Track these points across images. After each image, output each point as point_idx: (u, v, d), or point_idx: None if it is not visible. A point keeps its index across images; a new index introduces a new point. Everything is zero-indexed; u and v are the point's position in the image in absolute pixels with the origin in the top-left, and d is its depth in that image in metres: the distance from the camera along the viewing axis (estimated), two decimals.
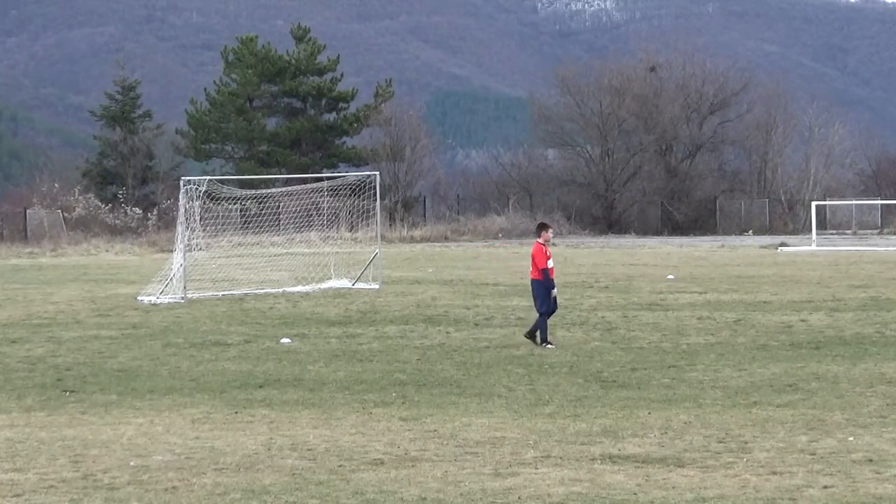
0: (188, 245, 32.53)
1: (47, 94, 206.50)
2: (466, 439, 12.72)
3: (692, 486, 10.53)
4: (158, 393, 16.27)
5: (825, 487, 10.41)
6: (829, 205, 73.96)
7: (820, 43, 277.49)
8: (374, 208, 38.29)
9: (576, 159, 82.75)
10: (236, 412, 14.68)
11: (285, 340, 21.60)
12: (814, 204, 62.20)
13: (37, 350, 20.86)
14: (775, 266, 41.21)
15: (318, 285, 33.58)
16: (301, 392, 16.17)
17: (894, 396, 15.16)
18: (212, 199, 39.68)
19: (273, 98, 79.60)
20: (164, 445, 12.61)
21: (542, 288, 20.48)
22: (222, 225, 41.78)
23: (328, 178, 48.85)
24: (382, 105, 78.72)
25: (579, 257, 49.02)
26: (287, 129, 77.40)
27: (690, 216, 78.11)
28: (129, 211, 69.68)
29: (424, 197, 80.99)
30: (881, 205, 75.39)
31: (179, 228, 32.51)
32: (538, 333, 20.48)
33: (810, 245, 56.03)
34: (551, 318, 21.10)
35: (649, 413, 14.19)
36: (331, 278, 34.70)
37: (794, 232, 72.70)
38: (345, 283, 34.13)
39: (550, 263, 20.55)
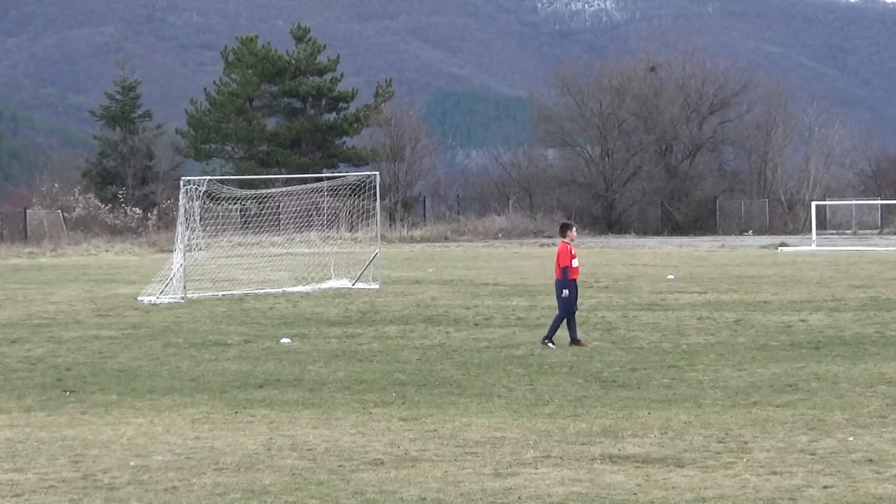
0: (188, 245, 32.53)
1: (47, 94, 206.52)
2: (466, 439, 12.72)
3: (692, 486, 10.53)
4: (158, 393, 16.27)
5: (825, 487, 10.41)
6: (829, 205, 73.95)
7: (820, 43, 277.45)
8: (374, 208, 38.30)
9: (576, 159, 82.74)
10: (236, 412, 14.68)
11: (285, 340, 21.60)
12: (814, 204, 62.20)
13: (37, 350, 20.86)
14: (775, 266, 41.21)
15: (318, 285, 33.58)
16: (301, 392, 16.17)
17: (894, 396, 15.16)
18: (212, 199, 39.68)
19: (273, 98, 79.60)
20: (164, 445, 12.61)
21: (562, 287, 20.41)
22: (222, 225, 41.78)
23: (328, 178, 48.85)
24: (382, 105, 78.72)
25: (579, 257, 48.93)
26: (287, 129, 77.40)
27: (690, 216, 78.10)
28: (129, 211, 69.68)
29: (424, 197, 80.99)
30: (881, 205, 75.39)
31: (179, 228, 32.51)
32: (550, 330, 20.39)
33: (810, 245, 56.02)
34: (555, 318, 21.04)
35: (649, 413, 14.19)
36: (331, 278, 34.70)
37: (794, 232, 72.69)
38: (345, 283, 34.13)
39: (576, 263, 20.57)
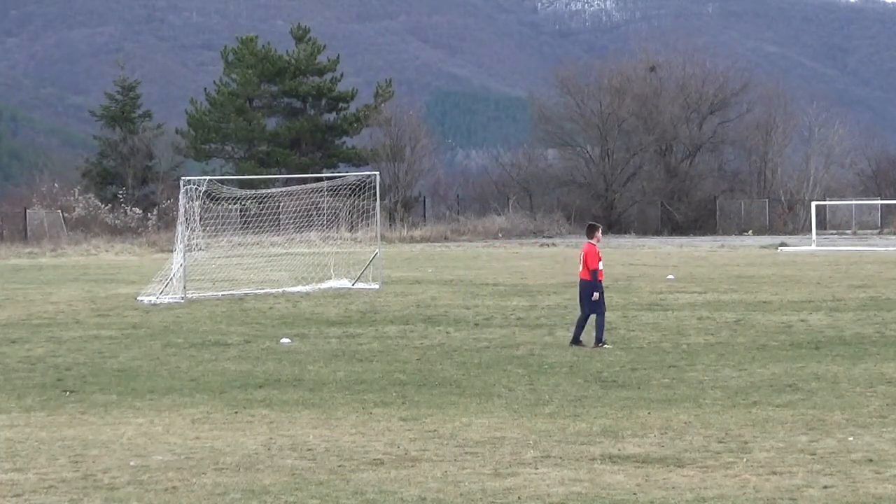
0: (188, 245, 32.53)
1: (47, 94, 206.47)
2: (466, 439, 12.72)
3: (692, 486, 10.53)
4: (158, 393, 16.27)
5: (825, 487, 10.41)
6: (829, 205, 73.95)
7: (820, 43, 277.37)
8: (374, 208, 38.30)
9: (576, 159, 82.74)
10: (236, 412, 14.68)
11: (285, 340, 21.60)
12: (814, 204, 62.21)
13: (37, 350, 20.86)
14: (775, 266, 41.21)
15: (318, 285, 33.58)
16: (301, 392, 16.17)
17: (894, 396, 15.16)
18: (212, 199, 39.67)
19: (273, 98, 79.60)
20: (164, 445, 12.61)
21: (592, 289, 20.35)
22: (222, 225, 41.77)
23: (328, 178, 48.83)
24: (382, 105, 78.71)
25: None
26: (287, 129, 77.39)
27: (690, 216, 78.09)
28: (129, 211, 69.65)
29: (424, 197, 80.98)
30: (881, 205, 75.38)
31: (179, 228, 32.51)
32: (576, 332, 20.33)
33: (810, 245, 56.03)
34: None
35: (649, 413, 14.19)
36: (331, 278, 34.70)
37: (794, 232, 72.69)
38: (345, 283, 34.13)
39: (601, 265, 20.56)
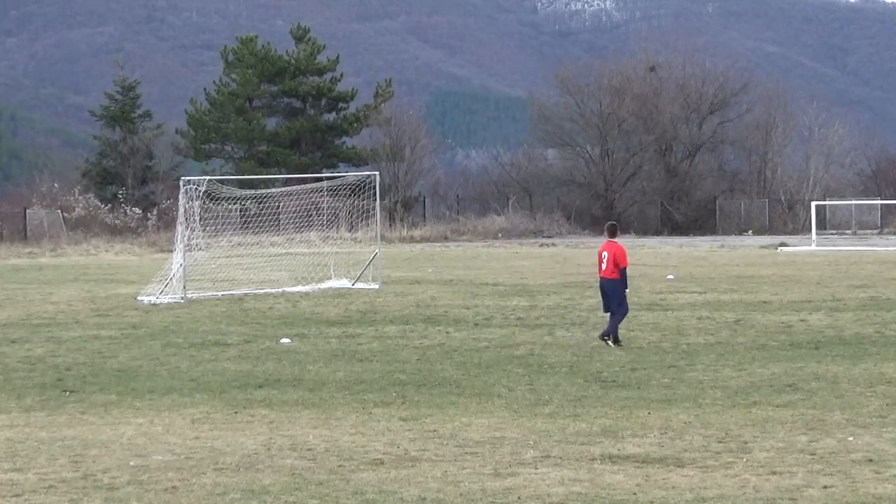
0: (188, 245, 32.53)
1: (47, 94, 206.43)
2: (466, 439, 12.72)
3: (692, 486, 10.53)
4: (158, 393, 16.27)
5: (825, 487, 10.41)
6: (829, 205, 73.93)
7: (820, 43, 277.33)
8: (373, 208, 38.29)
9: (576, 159, 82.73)
10: (236, 412, 14.68)
11: (285, 340, 21.60)
12: (813, 204, 62.19)
13: (37, 350, 20.86)
14: (775, 266, 41.21)
15: (318, 285, 33.58)
16: (301, 392, 16.17)
17: (894, 396, 15.16)
18: (211, 199, 39.65)
19: (273, 98, 79.58)
20: (164, 445, 12.61)
21: (622, 287, 20.35)
22: (222, 225, 41.76)
23: (328, 178, 48.82)
24: (382, 105, 78.69)
25: (579, 257, 49.02)
26: (287, 129, 77.39)
27: (690, 216, 78.08)
28: (128, 211, 69.64)
29: (424, 197, 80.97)
30: (881, 205, 75.37)
31: (179, 228, 32.50)
32: (612, 328, 20.32)
33: (810, 245, 56.02)
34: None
35: (649, 413, 14.19)
36: (330, 278, 34.69)
37: (794, 232, 72.68)
38: (345, 283, 34.13)
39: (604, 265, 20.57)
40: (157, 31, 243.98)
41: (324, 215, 48.83)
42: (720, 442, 12.42)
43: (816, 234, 59.53)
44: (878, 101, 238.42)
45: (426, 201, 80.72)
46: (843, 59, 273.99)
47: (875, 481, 10.64)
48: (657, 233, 75.16)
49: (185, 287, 30.93)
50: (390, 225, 69.26)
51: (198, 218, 33.17)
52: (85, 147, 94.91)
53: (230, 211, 48.55)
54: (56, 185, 71.58)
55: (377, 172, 38.08)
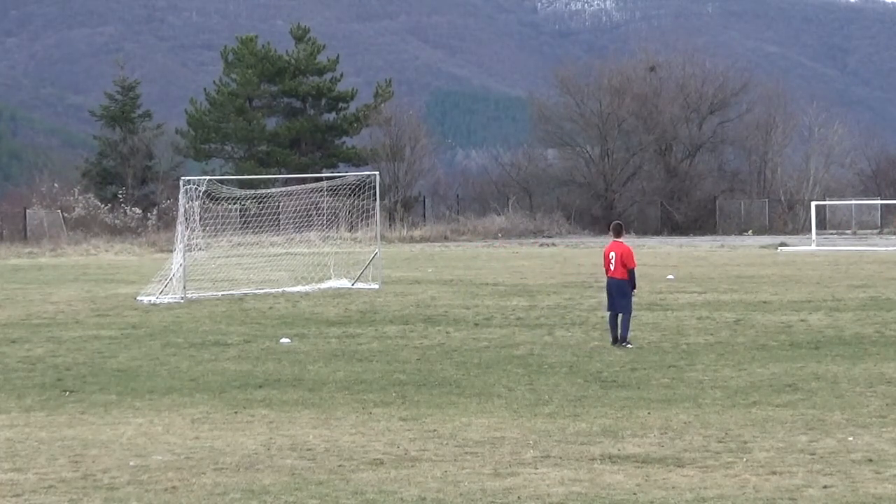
0: (188, 245, 32.53)
1: (47, 94, 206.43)
2: (466, 439, 12.72)
3: (692, 486, 10.53)
4: (158, 393, 16.27)
5: (825, 487, 10.41)
6: (829, 205, 73.92)
7: (820, 43, 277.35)
8: (373, 208, 38.29)
9: (575, 159, 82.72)
10: (236, 412, 14.68)
11: (285, 340, 21.60)
12: (813, 204, 62.17)
13: (37, 350, 20.85)
14: (775, 266, 41.20)
15: (318, 285, 33.58)
16: (301, 392, 16.17)
17: (894, 396, 15.16)
18: (211, 199, 39.65)
19: (273, 98, 79.57)
20: (164, 445, 12.61)
21: (630, 288, 20.33)
22: (222, 225, 41.74)
23: (328, 178, 48.80)
24: (382, 105, 78.68)
25: (579, 257, 49.02)
26: (287, 129, 77.38)
27: (690, 216, 78.07)
28: (128, 211, 69.62)
29: (424, 197, 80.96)
30: (881, 205, 75.36)
31: (179, 228, 32.50)
32: (622, 332, 20.28)
33: (810, 245, 56.01)
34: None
35: (649, 413, 14.19)
36: (330, 278, 34.69)
37: (794, 232, 72.67)
38: (344, 283, 34.12)
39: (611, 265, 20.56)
40: (157, 31, 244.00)
41: (324, 215, 48.81)
42: (720, 442, 12.42)
43: (816, 234, 59.51)
44: (878, 101, 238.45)
45: (426, 201, 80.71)
46: (843, 59, 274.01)
47: (875, 481, 10.64)
48: (657, 233, 75.15)
49: (185, 287, 30.93)
50: (390, 225, 69.25)
51: (198, 218, 33.16)
52: (85, 147, 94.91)
53: (230, 211, 48.54)
54: (56, 185, 71.55)
55: (377, 172, 38.07)
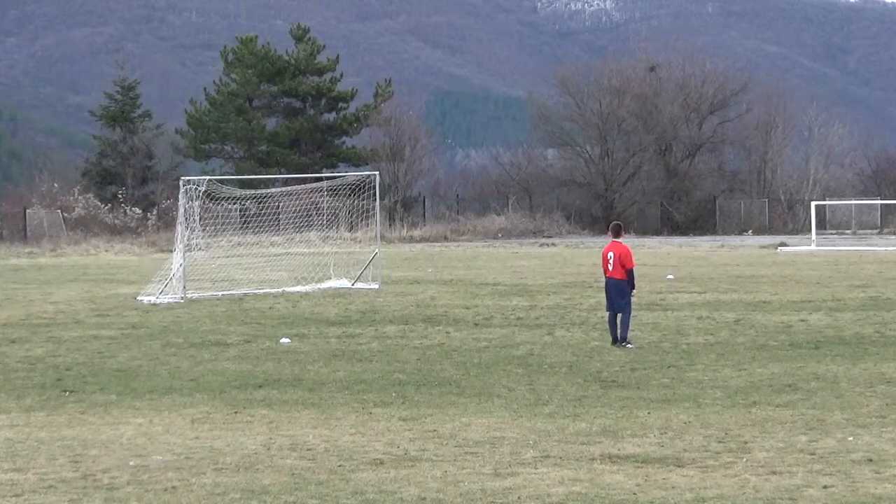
0: (188, 245, 32.53)
1: (47, 94, 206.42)
2: (466, 439, 12.72)
3: (692, 486, 10.53)
4: (158, 393, 16.27)
5: (825, 487, 10.41)
6: (829, 205, 73.92)
7: (820, 43, 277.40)
8: (373, 208, 38.30)
9: (575, 159, 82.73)
10: (236, 412, 14.68)
11: (285, 340, 21.60)
12: (813, 204, 62.17)
13: (36, 350, 20.85)
14: (775, 266, 41.20)
15: (318, 285, 33.58)
16: (301, 392, 16.17)
17: (894, 396, 15.16)
18: (211, 199, 39.67)
19: (273, 98, 79.60)
20: (164, 445, 12.61)
21: (629, 288, 20.34)
22: (222, 225, 41.76)
23: (328, 178, 48.81)
24: (382, 105, 78.72)
25: (579, 257, 49.02)
26: (287, 129, 77.40)
27: (690, 216, 78.09)
28: (128, 211, 69.64)
29: (424, 197, 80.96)
30: (881, 205, 75.36)
31: (179, 228, 32.50)
32: (622, 332, 20.27)
33: (810, 245, 56.02)
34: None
35: (649, 413, 14.19)
36: (330, 278, 34.69)
37: (794, 232, 72.69)
38: (344, 283, 34.12)
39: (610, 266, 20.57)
40: (156, 31, 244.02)
41: (324, 215, 48.80)
42: (720, 442, 12.41)
43: (816, 234, 59.52)
44: (878, 101, 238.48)
45: (426, 201, 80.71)
46: (843, 59, 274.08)
47: (875, 481, 10.64)
48: (657, 233, 75.17)
49: (184, 287, 30.94)
50: (390, 225, 69.26)
51: (198, 218, 33.16)
52: (85, 147, 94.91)
53: (230, 211, 48.55)
54: (56, 185, 71.57)
55: (377, 172, 38.08)
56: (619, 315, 20.37)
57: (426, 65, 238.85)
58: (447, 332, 22.52)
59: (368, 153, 77.88)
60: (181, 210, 32.38)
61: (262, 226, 42.57)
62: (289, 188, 43.65)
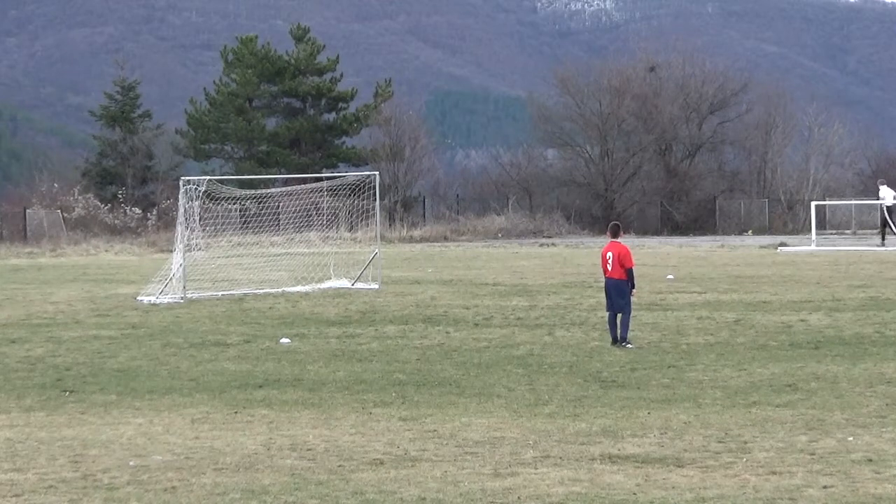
0: (188, 245, 32.53)
1: (47, 94, 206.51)
2: (466, 439, 12.72)
3: (692, 486, 10.53)
4: (158, 393, 16.27)
5: (825, 487, 10.41)
6: (829, 205, 73.87)
7: (820, 43, 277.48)
8: (373, 208, 38.29)
9: (575, 159, 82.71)
10: (236, 412, 14.68)
11: (285, 340, 21.60)
12: (813, 204, 62.13)
13: (36, 350, 20.85)
14: (775, 266, 41.19)
15: (318, 285, 33.57)
16: (301, 392, 16.17)
17: (894, 396, 15.16)
18: (211, 199, 39.65)
19: (273, 98, 79.59)
20: (164, 445, 12.61)
21: (629, 288, 20.36)
22: (222, 225, 41.75)
23: (328, 178, 48.80)
24: (382, 105, 78.70)
25: (579, 257, 49.01)
26: (287, 129, 77.39)
27: (690, 216, 78.07)
28: (128, 211, 69.62)
29: (424, 197, 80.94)
30: (881, 205, 75.28)
31: (179, 228, 32.50)
32: (622, 332, 20.26)
33: (810, 245, 55.99)
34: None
35: (649, 413, 14.19)
36: (330, 278, 34.68)
37: (794, 232, 72.66)
38: (344, 283, 34.12)
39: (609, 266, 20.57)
40: (156, 31, 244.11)
41: (323, 215, 48.79)
42: (720, 442, 12.42)
43: (816, 234, 59.49)
44: (878, 101, 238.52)
45: (426, 201, 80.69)
46: (843, 59, 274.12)
47: (875, 481, 10.64)
48: (657, 233, 75.14)
49: (184, 287, 30.93)
50: (390, 225, 69.23)
51: (197, 218, 33.16)
52: (85, 147, 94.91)
53: (230, 211, 48.54)
54: (56, 185, 71.56)
55: (377, 172, 38.07)
56: (619, 315, 20.37)
57: (426, 65, 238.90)
58: (447, 332, 22.52)
59: (368, 153, 77.86)
60: (181, 210, 32.37)
61: (262, 226, 42.56)
62: (289, 188, 43.64)
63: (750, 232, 73.77)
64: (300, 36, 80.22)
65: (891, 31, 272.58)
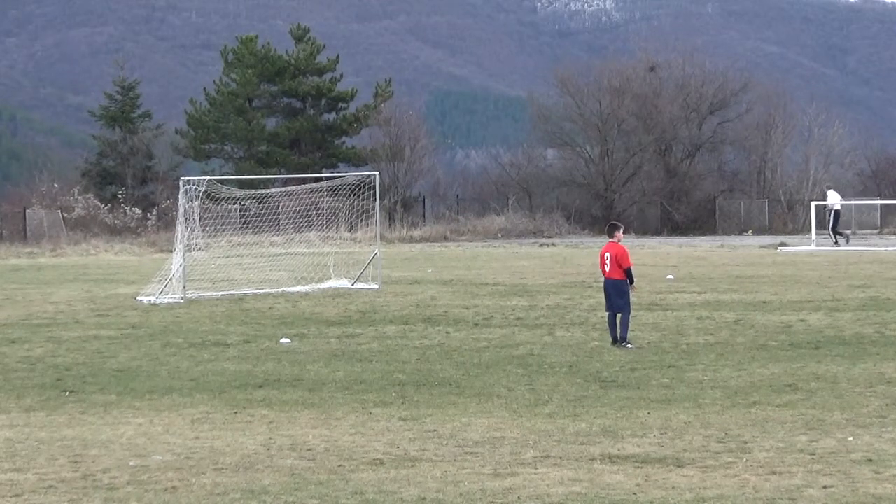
0: (187, 245, 32.53)
1: (47, 94, 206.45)
2: (466, 439, 12.72)
3: (692, 486, 10.53)
4: (158, 393, 16.27)
5: (825, 487, 10.41)
6: (829, 205, 73.81)
7: (820, 43, 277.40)
8: (373, 208, 38.30)
9: (575, 159, 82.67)
10: (236, 412, 14.68)
11: (285, 340, 21.60)
12: (813, 204, 62.10)
13: (36, 350, 20.85)
14: (775, 266, 41.19)
15: (318, 285, 33.58)
16: (301, 392, 16.17)
17: (894, 396, 15.16)
18: (211, 199, 39.66)
19: (273, 98, 79.56)
20: (164, 445, 12.61)
21: (628, 286, 20.37)
22: (222, 225, 41.75)
23: (327, 179, 48.80)
24: (382, 105, 78.68)
25: (579, 257, 49.01)
26: (286, 129, 77.38)
27: (690, 216, 78.05)
28: (128, 211, 69.61)
29: (424, 197, 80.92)
30: (881, 205, 75.28)
31: (179, 228, 32.51)
32: (621, 332, 20.25)
33: (810, 245, 55.99)
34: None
35: (649, 413, 14.19)
36: (330, 278, 34.69)
37: (794, 232, 72.64)
38: (344, 283, 34.12)
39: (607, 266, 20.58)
40: (156, 31, 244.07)
41: (323, 215, 48.80)
42: (720, 442, 12.42)
43: (816, 234, 59.49)
44: (878, 101, 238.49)
45: (426, 201, 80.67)
46: (843, 59, 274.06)
47: (875, 481, 10.64)
48: (657, 233, 75.12)
49: (184, 287, 30.94)
50: (390, 225, 69.22)
51: (197, 218, 33.16)
52: (85, 147, 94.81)
53: (230, 211, 48.56)
54: (56, 185, 71.53)
55: (377, 172, 38.07)
56: (619, 315, 20.38)
57: (426, 65, 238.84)
58: (447, 332, 22.52)
59: (368, 153, 77.85)
60: (181, 210, 32.38)
61: (261, 226, 42.56)
62: (289, 188, 43.65)
63: (750, 232, 73.76)
64: (300, 36, 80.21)
65: (891, 31, 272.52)
